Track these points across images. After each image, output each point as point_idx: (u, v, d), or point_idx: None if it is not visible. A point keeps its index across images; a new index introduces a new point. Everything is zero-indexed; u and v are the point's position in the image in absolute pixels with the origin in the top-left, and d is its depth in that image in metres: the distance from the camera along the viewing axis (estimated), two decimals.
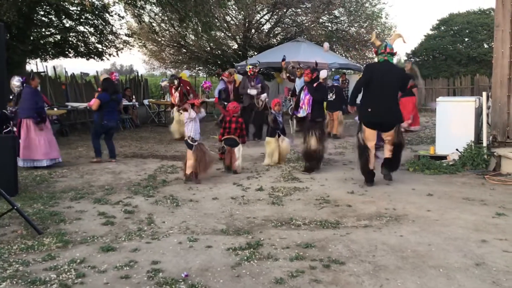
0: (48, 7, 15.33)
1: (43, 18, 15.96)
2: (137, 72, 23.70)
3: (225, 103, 11.90)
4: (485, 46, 26.31)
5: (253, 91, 12.42)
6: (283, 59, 14.17)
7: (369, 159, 6.95)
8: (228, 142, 8.15)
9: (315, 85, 8.11)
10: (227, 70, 13.83)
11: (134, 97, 16.68)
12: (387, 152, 7.11)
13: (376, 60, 7.28)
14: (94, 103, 9.16)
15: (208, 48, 25.61)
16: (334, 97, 13.05)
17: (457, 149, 8.25)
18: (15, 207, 4.90)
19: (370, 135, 6.95)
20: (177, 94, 12.41)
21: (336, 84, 13.51)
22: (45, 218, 5.40)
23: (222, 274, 3.83)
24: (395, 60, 7.80)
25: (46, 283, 3.65)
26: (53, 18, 16.26)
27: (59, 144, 11.46)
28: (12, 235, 4.81)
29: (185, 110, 7.52)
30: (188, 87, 12.57)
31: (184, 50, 26.44)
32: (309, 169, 8.05)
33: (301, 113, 8.18)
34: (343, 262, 4.05)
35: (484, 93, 8.45)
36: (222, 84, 13.06)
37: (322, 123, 8.22)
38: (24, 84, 8.75)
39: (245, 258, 4.13)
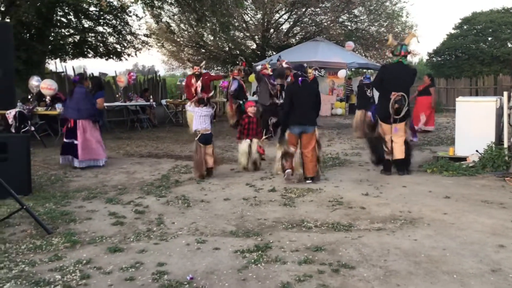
0: (66, 8, 15.48)
1: (62, 19, 16.11)
2: (156, 73, 23.75)
3: (240, 102, 11.84)
4: (509, 45, 25.74)
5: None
6: (278, 59, 12.93)
7: (386, 150, 7.60)
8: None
9: None
10: (235, 68, 13.68)
11: (152, 97, 16.73)
12: (399, 153, 7.57)
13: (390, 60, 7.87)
14: (101, 102, 9.03)
15: (227, 48, 25.63)
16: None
17: (477, 150, 8.02)
18: (24, 207, 4.89)
19: (386, 129, 7.61)
20: (199, 84, 12.34)
21: (367, 82, 13.06)
22: (56, 217, 5.39)
23: (228, 277, 3.75)
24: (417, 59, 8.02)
25: (50, 284, 3.62)
26: (72, 19, 16.41)
27: None
28: (21, 235, 4.80)
29: (199, 103, 7.77)
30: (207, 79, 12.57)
31: (203, 50, 26.51)
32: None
33: None
34: (353, 266, 3.92)
35: (505, 93, 8.17)
36: (235, 84, 12.93)
37: None
38: (78, 84, 8.67)
39: (253, 261, 4.04)
